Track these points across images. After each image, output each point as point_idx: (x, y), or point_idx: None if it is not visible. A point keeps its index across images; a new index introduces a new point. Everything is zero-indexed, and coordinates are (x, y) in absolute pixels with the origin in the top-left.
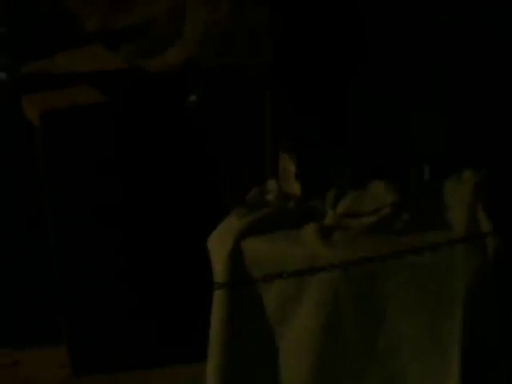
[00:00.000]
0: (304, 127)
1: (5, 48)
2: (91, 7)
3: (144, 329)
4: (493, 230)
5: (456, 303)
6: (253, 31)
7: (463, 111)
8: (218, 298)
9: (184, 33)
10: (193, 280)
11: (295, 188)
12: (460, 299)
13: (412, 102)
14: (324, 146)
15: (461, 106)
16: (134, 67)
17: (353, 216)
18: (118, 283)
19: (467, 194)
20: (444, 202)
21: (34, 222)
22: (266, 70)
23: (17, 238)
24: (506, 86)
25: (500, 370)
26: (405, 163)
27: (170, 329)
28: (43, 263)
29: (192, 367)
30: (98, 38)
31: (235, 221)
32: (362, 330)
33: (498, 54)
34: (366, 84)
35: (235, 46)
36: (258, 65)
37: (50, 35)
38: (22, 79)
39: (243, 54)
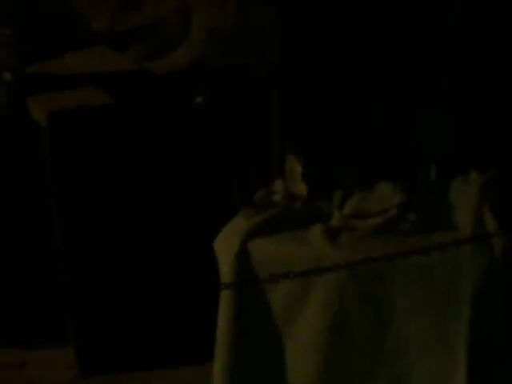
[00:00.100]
0: (311, 128)
1: (10, 49)
2: (98, 7)
3: (151, 330)
4: (499, 230)
5: (463, 303)
6: (260, 31)
7: (470, 112)
8: (225, 298)
9: (191, 33)
10: (199, 281)
11: (302, 189)
12: (467, 299)
13: (419, 103)
14: (331, 147)
15: (467, 106)
16: (141, 68)
17: (359, 217)
18: (125, 284)
19: (474, 195)
20: (450, 202)
21: (40, 223)
22: (273, 70)
23: (24, 238)
24: None
25: (506, 369)
26: (412, 163)
27: (178, 330)
28: (50, 264)
29: (199, 368)
30: (105, 38)
31: (242, 221)
32: (368, 331)
33: (505, 54)
34: (373, 84)
35: (242, 46)
36: (264, 65)
37: (57, 36)
38: (27, 80)
39: (250, 54)
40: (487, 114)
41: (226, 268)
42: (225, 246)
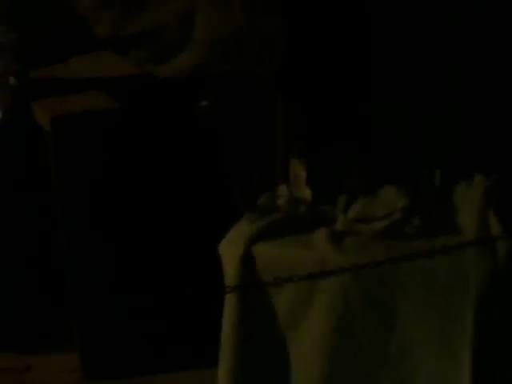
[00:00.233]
0: (315, 132)
1: (15, 53)
2: (102, 12)
3: (155, 334)
4: (503, 234)
5: (467, 306)
6: (264, 36)
7: (474, 114)
8: (230, 301)
9: (194, 37)
10: (204, 285)
11: (306, 193)
12: (471, 302)
13: (423, 106)
14: (335, 151)
15: (472, 109)
16: (144, 73)
17: (364, 221)
18: (129, 288)
19: (478, 199)
20: (455, 206)
21: (44, 227)
22: (277, 74)
23: (27, 243)
24: None
25: (510, 372)
26: (416, 167)
27: (182, 334)
28: (55, 268)
29: (204, 372)
30: (109, 43)
31: (246, 226)
32: (372, 334)
33: (509, 56)
34: (377, 88)
35: (246, 51)
36: (268, 70)
37: (61, 40)
38: (32, 84)
39: (254, 59)
40: (492, 117)
41: (230, 272)
42: (229, 249)
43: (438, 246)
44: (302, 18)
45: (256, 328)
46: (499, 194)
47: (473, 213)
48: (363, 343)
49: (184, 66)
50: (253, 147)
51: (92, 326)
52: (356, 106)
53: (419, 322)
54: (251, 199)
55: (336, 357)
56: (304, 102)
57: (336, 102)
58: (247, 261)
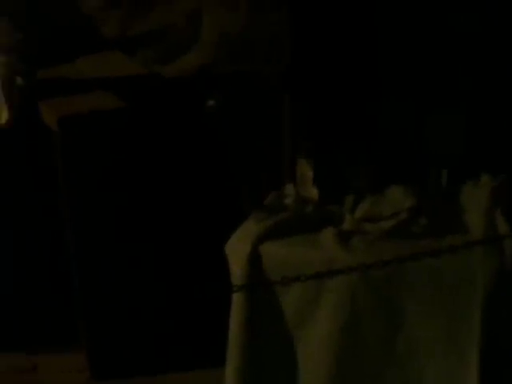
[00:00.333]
0: (322, 132)
1: (22, 53)
2: (109, 12)
3: (163, 333)
4: (511, 233)
5: (474, 305)
6: (271, 36)
7: (481, 114)
8: (237, 300)
9: (201, 35)
10: (212, 285)
11: (313, 193)
12: (478, 301)
13: (430, 106)
14: (342, 151)
15: (479, 109)
16: (151, 73)
17: (371, 220)
18: (137, 288)
19: (485, 198)
20: (462, 205)
21: (51, 227)
22: (285, 74)
23: (35, 242)
24: None
25: None
26: (423, 166)
27: (190, 333)
28: (63, 268)
29: (212, 372)
30: (116, 43)
31: (253, 225)
32: (380, 333)
33: None
34: (384, 88)
35: (253, 51)
36: (276, 69)
37: (68, 40)
38: (39, 84)
39: (261, 59)
40: (499, 117)
41: (237, 271)
42: (237, 249)
43: (445, 246)
44: (309, 18)
45: (263, 327)
46: (507, 194)
47: (480, 212)
48: (370, 342)
49: (191, 65)
50: (260, 147)
51: (99, 326)
52: (363, 106)
53: (426, 322)
54: (258, 199)
55: (343, 356)
56: (311, 102)
57: (343, 102)
58: (254, 260)
